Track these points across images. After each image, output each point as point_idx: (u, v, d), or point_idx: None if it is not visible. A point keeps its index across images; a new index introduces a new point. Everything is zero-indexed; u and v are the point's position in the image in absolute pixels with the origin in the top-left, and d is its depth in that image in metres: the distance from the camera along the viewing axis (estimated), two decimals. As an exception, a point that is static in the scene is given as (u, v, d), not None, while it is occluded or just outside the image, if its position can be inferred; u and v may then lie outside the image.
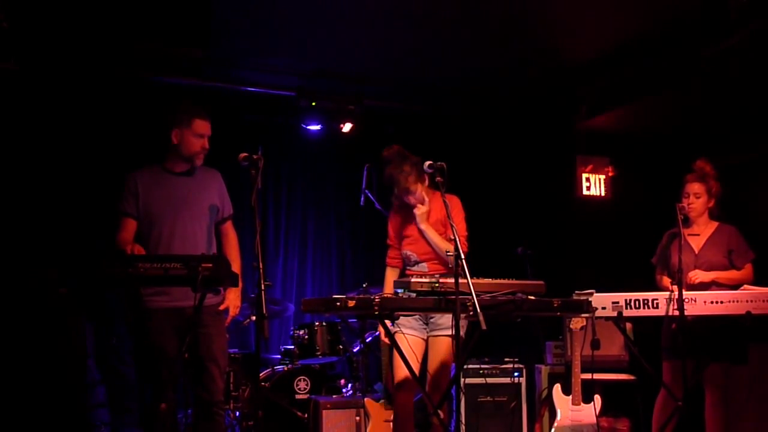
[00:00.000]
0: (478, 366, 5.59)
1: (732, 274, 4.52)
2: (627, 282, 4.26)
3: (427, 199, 4.20)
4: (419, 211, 4.19)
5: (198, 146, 3.97)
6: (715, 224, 4.68)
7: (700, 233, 4.65)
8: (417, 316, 4.18)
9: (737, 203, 4.89)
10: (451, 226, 3.51)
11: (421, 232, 4.19)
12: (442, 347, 4.14)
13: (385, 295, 3.57)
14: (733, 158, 6.03)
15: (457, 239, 3.42)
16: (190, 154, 3.97)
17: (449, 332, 4.10)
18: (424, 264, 4.24)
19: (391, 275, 4.35)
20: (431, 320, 4.19)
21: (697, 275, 4.46)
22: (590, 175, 7.08)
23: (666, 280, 4.66)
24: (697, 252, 4.60)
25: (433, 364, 4.15)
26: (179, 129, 3.94)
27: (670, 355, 4.53)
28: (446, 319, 4.10)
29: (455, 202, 4.27)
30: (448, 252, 3.55)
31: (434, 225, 4.19)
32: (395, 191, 4.22)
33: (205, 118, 3.99)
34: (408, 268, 4.31)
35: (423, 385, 3.97)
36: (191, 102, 4.06)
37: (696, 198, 4.62)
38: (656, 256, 4.79)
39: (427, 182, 4.21)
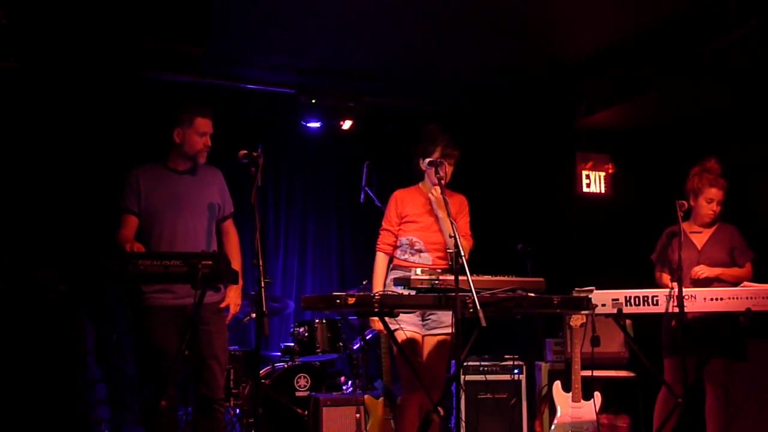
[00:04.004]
0: (478, 363, 5.58)
1: (735, 272, 4.55)
2: (627, 279, 4.26)
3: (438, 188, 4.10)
4: (436, 193, 4.07)
5: (200, 144, 3.98)
6: (716, 223, 4.70)
7: (702, 231, 4.67)
8: (417, 313, 4.15)
9: (738, 201, 4.89)
10: (451, 222, 3.51)
11: (438, 220, 4.09)
12: (439, 346, 4.13)
13: (385, 292, 3.56)
14: (733, 156, 6.02)
15: (457, 235, 3.42)
16: (193, 152, 3.99)
17: (446, 330, 4.11)
18: (428, 255, 4.13)
19: (384, 262, 4.18)
20: (429, 318, 4.17)
21: (703, 270, 4.48)
22: (590, 172, 7.08)
23: (666, 278, 4.67)
24: (700, 249, 4.61)
25: (429, 362, 4.15)
26: (182, 128, 3.95)
27: (670, 352, 4.54)
28: (445, 316, 4.10)
29: (462, 201, 4.26)
30: (448, 249, 3.55)
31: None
32: (439, 157, 3.98)
33: (207, 116, 4.00)
34: (404, 258, 4.16)
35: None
36: (193, 101, 4.07)
37: (718, 205, 4.63)
38: (656, 253, 4.79)
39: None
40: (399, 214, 4.19)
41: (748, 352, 4.49)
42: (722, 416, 4.54)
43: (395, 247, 4.20)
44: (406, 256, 4.15)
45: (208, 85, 6.00)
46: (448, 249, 3.55)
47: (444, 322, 4.12)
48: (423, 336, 4.16)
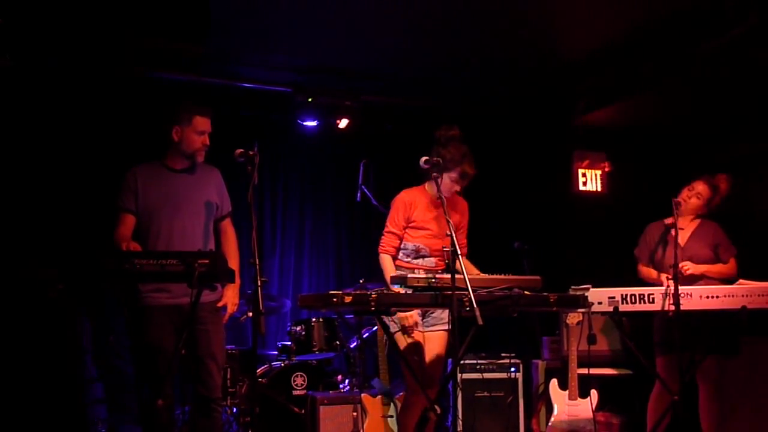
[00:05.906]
0: (474, 361, 5.59)
1: (720, 268, 4.60)
2: (623, 277, 4.27)
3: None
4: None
5: (199, 143, 3.98)
6: (698, 219, 4.74)
7: (684, 227, 4.70)
8: (418, 310, 4.14)
9: (734, 200, 4.91)
10: (447, 221, 3.51)
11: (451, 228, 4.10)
12: (438, 342, 4.15)
13: (381, 291, 3.57)
14: (730, 154, 6.04)
15: (453, 235, 3.42)
16: (191, 151, 3.98)
17: (445, 326, 4.12)
18: (432, 259, 4.14)
19: (392, 262, 4.13)
20: (429, 315, 4.18)
21: (689, 267, 4.50)
22: (587, 170, 7.09)
23: (652, 271, 4.70)
24: (682, 245, 4.63)
25: (427, 359, 4.16)
26: (180, 126, 3.95)
27: (663, 350, 4.55)
28: (443, 313, 4.11)
29: (465, 206, 4.24)
30: (445, 247, 3.55)
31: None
32: (454, 174, 4.02)
33: (206, 114, 3.99)
34: (407, 260, 4.16)
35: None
36: (191, 99, 4.06)
37: (696, 198, 4.67)
38: (638, 247, 4.82)
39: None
40: (407, 218, 4.13)
41: (740, 346, 4.50)
42: (715, 414, 4.56)
43: (398, 249, 4.17)
44: (409, 259, 4.15)
45: (205, 83, 5.98)
46: (445, 248, 3.55)
47: (443, 318, 4.13)
48: (423, 333, 4.17)
